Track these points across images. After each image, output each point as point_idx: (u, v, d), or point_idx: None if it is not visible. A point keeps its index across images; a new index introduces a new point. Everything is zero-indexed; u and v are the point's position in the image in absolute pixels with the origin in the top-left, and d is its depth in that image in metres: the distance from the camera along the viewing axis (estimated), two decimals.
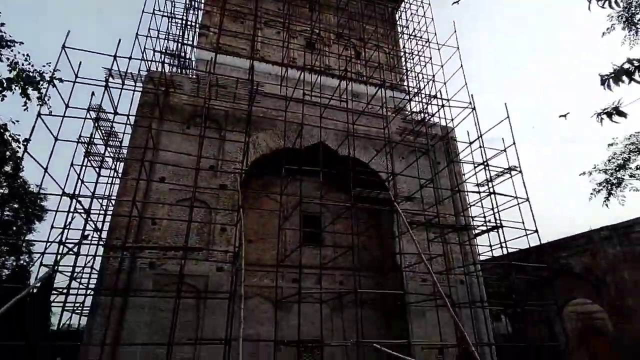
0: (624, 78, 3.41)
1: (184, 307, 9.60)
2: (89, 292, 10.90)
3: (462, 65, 15.36)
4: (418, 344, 9.26)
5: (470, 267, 13.30)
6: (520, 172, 13.32)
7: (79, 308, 13.58)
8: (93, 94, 11.54)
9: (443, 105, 14.78)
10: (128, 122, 11.34)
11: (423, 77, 17.24)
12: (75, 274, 10.91)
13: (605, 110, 3.68)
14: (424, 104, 15.95)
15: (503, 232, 12.55)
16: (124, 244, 9.09)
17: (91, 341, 9.08)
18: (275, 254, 12.65)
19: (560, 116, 3.94)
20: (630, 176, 7.21)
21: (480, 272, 12.50)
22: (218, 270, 10.97)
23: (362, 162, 13.77)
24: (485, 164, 13.18)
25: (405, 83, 18.32)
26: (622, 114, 3.60)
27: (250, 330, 11.61)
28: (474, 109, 14.23)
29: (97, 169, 12.37)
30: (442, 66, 16.45)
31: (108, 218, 11.51)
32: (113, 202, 12.21)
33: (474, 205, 15.05)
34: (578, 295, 18.99)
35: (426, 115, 15.37)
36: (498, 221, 12.71)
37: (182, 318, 9.41)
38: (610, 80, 3.47)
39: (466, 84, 14.94)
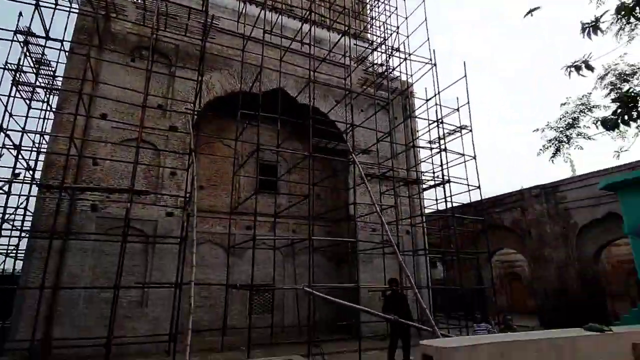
0: (604, 28, 3.43)
1: (132, 252, 9.29)
2: (23, 234, 10.12)
3: (426, 19, 15.14)
4: (365, 287, 9.91)
5: (416, 218, 14.13)
6: (471, 131, 13.92)
7: (14, 251, 12.70)
8: (21, 14, 9.93)
9: (405, 59, 14.67)
10: (62, 49, 9.99)
11: (387, 28, 16.82)
12: (8, 215, 10.01)
13: (575, 64, 3.76)
14: (387, 56, 15.70)
15: (450, 187, 13.29)
16: (62, 184, 8.35)
17: (28, 285, 8.59)
18: (229, 201, 12.46)
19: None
20: (578, 135, 7.76)
21: (424, 224, 13.34)
22: (168, 215, 10.61)
23: (321, 112, 13.55)
24: (440, 121, 13.56)
25: (369, 33, 17.81)
26: (590, 68, 3.70)
27: (201, 275, 11.63)
28: (434, 65, 14.29)
29: (27, 101, 10.97)
30: (406, 18, 16.09)
31: (42, 157, 10.47)
32: (47, 138, 11.05)
33: (424, 161, 15.69)
34: (506, 246, 21.16)
35: (388, 68, 15.21)
36: (446, 177, 13.42)
37: (130, 262, 9.13)
38: (591, 29, 3.49)
39: (428, 39, 14.85)
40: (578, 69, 3.74)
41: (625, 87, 7.12)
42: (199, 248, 11.32)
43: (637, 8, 3.45)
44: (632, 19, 4.69)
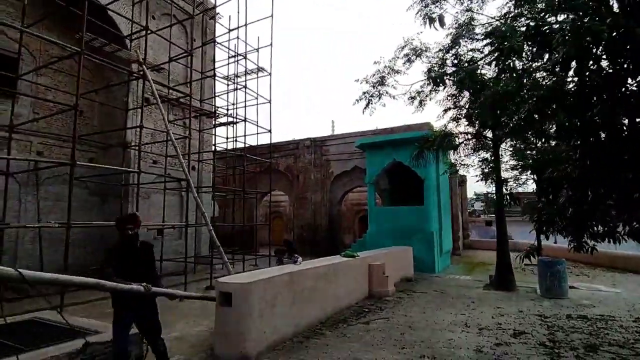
0: None
1: None
2: None
3: None
4: (142, 225, 8.60)
5: (203, 154, 13.38)
6: (270, 75, 14.04)
7: None
8: None
9: None
10: None
11: None
12: None
13: (431, 15, 4.06)
14: None
15: (245, 126, 13.17)
16: None
17: None
18: None
19: None
20: (386, 93, 8.98)
21: (213, 161, 12.83)
22: None
23: (97, 3, 10.24)
24: (244, 56, 12.94)
25: None
26: (442, 23, 4.11)
27: None
28: None
29: None
30: None
31: None
32: None
33: (219, 96, 14.86)
34: (278, 188, 23.53)
35: None
36: (240, 116, 13.18)
37: None
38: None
39: None
40: (432, 21, 4.14)
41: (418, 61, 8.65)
42: None
43: None
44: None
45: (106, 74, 11.99)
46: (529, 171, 8.88)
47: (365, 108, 9.04)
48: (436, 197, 15.22)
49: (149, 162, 11.80)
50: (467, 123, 9.52)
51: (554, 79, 3.18)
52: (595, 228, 4.57)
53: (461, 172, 12.34)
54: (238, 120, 13.44)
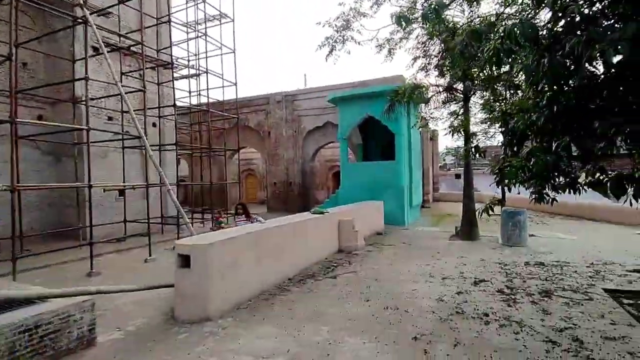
0: None
1: None
2: None
3: None
4: (99, 186, 8.10)
5: (164, 110, 12.56)
6: (233, 21, 12.99)
7: None
8: None
9: None
10: None
11: None
12: None
13: None
14: None
15: (207, 79, 12.34)
16: None
17: None
18: None
19: None
20: (351, 39, 8.36)
21: (175, 117, 12.07)
22: None
23: None
24: (202, 0, 11.81)
25: None
26: None
27: None
28: None
29: None
30: None
31: None
32: None
33: (178, 45, 13.74)
34: (249, 145, 22.85)
35: None
36: (203, 68, 12.29)
37: None
38: None
39: None
40: None
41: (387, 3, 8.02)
42: None
43: None
44: None
45: (49, 20, 10.69)
46: (498, 124, 8.84)
47: (328, 55, 8.44)
48: (407, 152, 15.22)
49: (103, 118, 10.96)
50: (437, 74, 9.22)
51: (524, 14, 2.93)
52: (557, 179, 4.57)
53: (431, 126, 12.23)
54: (200, 73, 12.56)
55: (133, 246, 10.08)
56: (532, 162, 3.79)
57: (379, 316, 4.74)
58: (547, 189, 4.63)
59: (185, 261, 4.78)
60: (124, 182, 10.70)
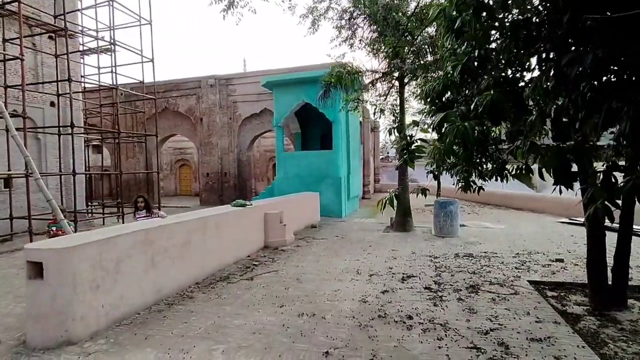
0: None
1: None
2: None
3: None
4: None
5: (66, 86, 10.72)
6: None
7: None
8: None
9: None
10: None
11: None
12: None
13: None
14: None
15: (114, 51, 10.71)
16: None
17: None
18: None
19: None
20: None
21: (79, 95, 10.33)
22: None
23: None
24: None
25: None
26: None
27: None
28: None
29: None
30: None
31: None
32: None
33: (83, 12, 11.85)
34: (179, 133, 21.07)
35: None
36: (113, 39, 10.63)
37: None
38: None
39: None
40: None
41: None
42: None
43: None
44: None
45: None
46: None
47: (226, 11, 7.34)
48: (346, 141, 14.76)
49: None
50: (367, 50, 8.67)
51: None
52: (484, 166, 4.19)
53: (369, 108, 11.76)
54: (111, 47, 10.87)
55: (21, 247, 8.43)
56: (458, 149, 3.29)
57: (290, 326, 4.04)
58: (474, 177, 4.23)
59: (37, 270, 3.67)
60: (9, 169, 8.91)
